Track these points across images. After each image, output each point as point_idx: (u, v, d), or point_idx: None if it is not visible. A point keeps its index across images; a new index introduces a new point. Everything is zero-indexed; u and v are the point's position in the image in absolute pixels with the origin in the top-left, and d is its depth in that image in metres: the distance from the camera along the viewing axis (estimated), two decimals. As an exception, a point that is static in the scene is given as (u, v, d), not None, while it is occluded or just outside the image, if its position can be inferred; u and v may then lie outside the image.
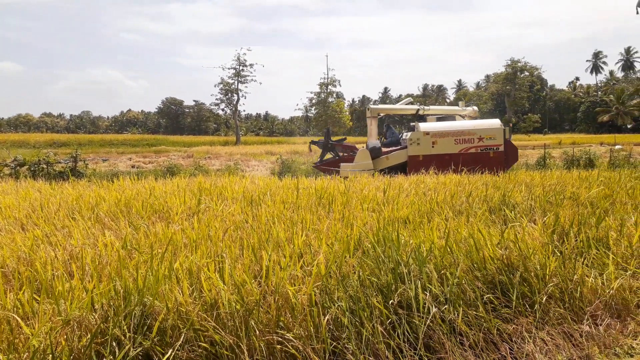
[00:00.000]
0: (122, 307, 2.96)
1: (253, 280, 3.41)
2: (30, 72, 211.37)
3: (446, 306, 3.25)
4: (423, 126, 14.53)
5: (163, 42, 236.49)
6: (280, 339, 2.95)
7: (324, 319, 3.03)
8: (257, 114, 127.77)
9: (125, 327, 2.84)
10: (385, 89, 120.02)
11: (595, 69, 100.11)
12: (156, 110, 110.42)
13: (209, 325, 2.93)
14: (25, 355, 2.69)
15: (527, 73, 66.09)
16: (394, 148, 15.19)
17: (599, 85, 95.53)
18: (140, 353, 2.80)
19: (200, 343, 2.91)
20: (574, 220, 4.83)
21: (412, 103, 18.58)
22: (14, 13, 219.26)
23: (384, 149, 15.03)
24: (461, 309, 3.23)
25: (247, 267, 3.67)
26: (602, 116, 74.16)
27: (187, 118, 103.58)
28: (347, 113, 63.22)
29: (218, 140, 64.79)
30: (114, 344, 2.77)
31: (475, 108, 17.09)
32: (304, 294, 3.23)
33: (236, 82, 62.12)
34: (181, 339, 2.86)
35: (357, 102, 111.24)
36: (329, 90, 58.54)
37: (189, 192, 7.47)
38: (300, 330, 3.00)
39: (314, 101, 60.66)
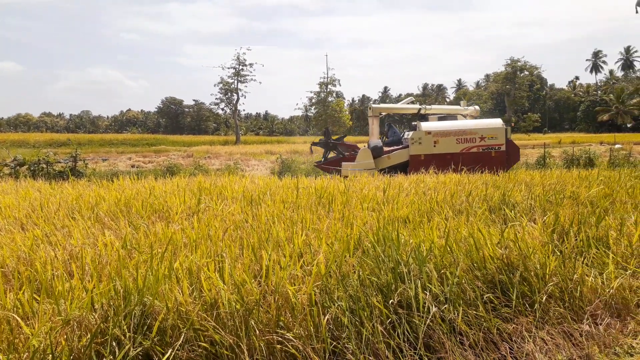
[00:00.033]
0: (122, 306, 2.96)
1: (253, 280, 3.41)
2: (30, 72, 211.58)
3: (446, 306, 3.25)
4: (425, 125, 14.51)
5: (163, 42, 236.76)
6: (280, 338, 2.95)
7: (324, 319, 3.03)
8: (257, 113, 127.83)
9: (125, 327, 2.84)
10: (385, 88, 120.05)
11: (595, 68, 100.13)
12: (156, 109, 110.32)
13: (208, 325, 2.93)
14: (25, 355, 2.69)
15: (526, 72, 66.08)
16: (395, 147, 15.17)
17: (599, 84, 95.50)
18: (140, 353, 2.80)
19: (200, 343, 2.91)
20: (574, 219, 4.83)
21: (413, 102, 18.55)
22: (14, 13, 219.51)
23: (386, 148, 15.01)
24: (461, 308, 3.23)
25: (247, 266, 3.67)
26: (602, 115, 74.16)
27: (187, 118, 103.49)
28: (347, 112, 63.15)
29: (218, 139, 64.77)
30: (114, 343, 2.77)
31: (477, 107, 17.06)
32: (303, 294, 3.23)
33: (236, 81, 62.12)
34: (181, 338, 2.86)
35: (356, 101, 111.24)
36: (328, 90, 58.51)
37: (189, 191, 7.47)
38: (300, 330, 3.00)
39: (313, 101, 60.66)
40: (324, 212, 5.90)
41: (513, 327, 3.26)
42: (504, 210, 5.65)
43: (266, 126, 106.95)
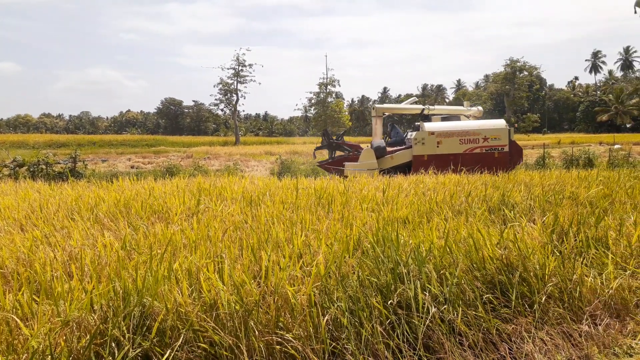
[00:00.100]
0: (122, 307, 2.96)
1: (252, 281, 3.41)
2: (29, 73, 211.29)
3: (445, 306, 3.25)
4: (428, 126, 14.51)
5: (162, 42, 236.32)
6: (279, 339, 2.95)
7: (323, 320, 3.03)
8: (256, 114, 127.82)
9: (124, 328, 2.84)
10: (385, 88, 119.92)
11: (594, 68, 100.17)
12: (155, 110, 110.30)
13: (208, 325, 2.93)
14: (24, 357, 2.69)
15: (526, 73, 66.05)
16: (398, 147, 15.16)
17: (598, 84, 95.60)
18: (140, 354, 2.80)
19: (199, 344, 2.91)
20: (573, 219, 4.83)
21: (417, 103, 18.54)
22: (13, 13, 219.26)
23: (389, 149, 15.01)
24: (460, 309, 3.23)
25: (246, 267, 3.67)
26: (601, 116, 74.27)
27: (186, 118, 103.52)
28: (347, 113, 63.18)
29: (217, 140, 64.77)
30: (113, 344, 2.77)
31: (480, 108, 17.05)
32: (303, 295, 3.24)
33: (235, 82, 62.15)
34: (180, 339, 2.86)
35: (356, 102, 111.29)
36: (328, 90, 58.51)
37: (188, 192, 7.47)
38: (299, 331, 3.00)
39: (313, 101, 60.65)
40: (324, 212, 5.90)
41: (512, 328, 3.26)
42: (504, 210, 5.65)
43: (266, 127, 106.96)
